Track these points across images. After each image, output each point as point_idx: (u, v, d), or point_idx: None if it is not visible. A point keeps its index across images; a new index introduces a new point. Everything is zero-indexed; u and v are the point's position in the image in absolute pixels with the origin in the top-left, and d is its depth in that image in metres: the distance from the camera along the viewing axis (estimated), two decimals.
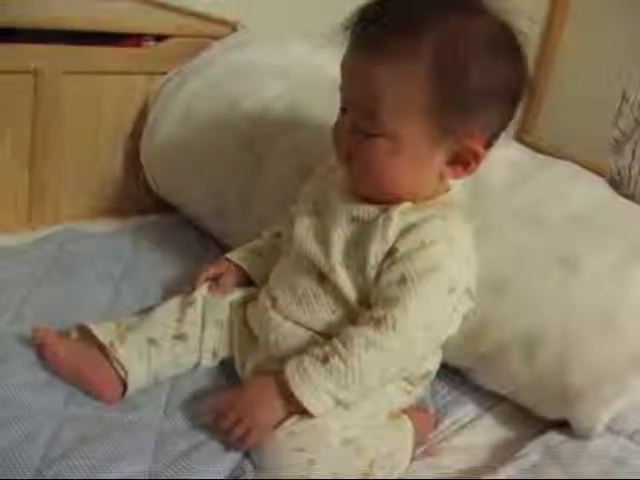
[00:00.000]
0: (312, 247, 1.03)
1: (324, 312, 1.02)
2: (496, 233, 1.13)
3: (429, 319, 0.96)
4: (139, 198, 1.62)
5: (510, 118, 1.01)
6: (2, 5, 1.49)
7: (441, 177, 1.00)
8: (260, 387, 0.97)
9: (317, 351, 0.95)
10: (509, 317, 1.10)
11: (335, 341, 0.95)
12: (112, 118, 1.56)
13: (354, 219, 1.01)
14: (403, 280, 0.95)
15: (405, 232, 0.97)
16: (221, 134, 1.43)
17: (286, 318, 1.04)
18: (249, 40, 1.60)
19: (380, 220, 0.98)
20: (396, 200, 0.99)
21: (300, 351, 0.99)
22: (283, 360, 0.99)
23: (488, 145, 0.99)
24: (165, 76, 1.57)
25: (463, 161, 0.98)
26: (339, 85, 0.99)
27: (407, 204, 0.98)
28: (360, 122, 0.96)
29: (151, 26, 1.58)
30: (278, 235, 1.19)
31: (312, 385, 0.92)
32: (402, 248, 0.96)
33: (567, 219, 1.14)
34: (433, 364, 1.09)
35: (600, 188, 1.25)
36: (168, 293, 1.17)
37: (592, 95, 2.05)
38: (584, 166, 1.27)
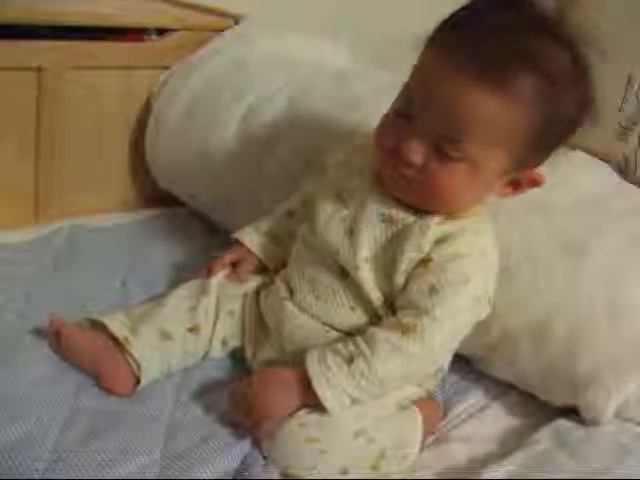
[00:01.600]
0: (337, 241, 1.02)
1: (343, 309, 1.02)
2: (501, 221, 1.13)
3: (455, 329, 0.97)
4: (144, 192, 1.62)
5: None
6: (3, 2, 1.49)
7: (492, 194, 1.01)
8: (277, 377, 0.97)
9: (342, 349, 0.95)
10: (517, 305, 1.10)
11: (360, 342, 0.95)
12: (116, 113, 1.55)
13: (385, 219, 1.00)
14: (435, 290, 0.95)
15: (440, 242, 0.97)
16: (225, 126, 1.43)
17: (303, 310, 1.04)
18: (252, 33, 1.60)
19: (416, 227, 0.97)
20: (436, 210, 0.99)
21: (314, 345, 0.99)
22: (295, 353, 1.01)
23: None
24: (168, 70, 1.57)
25: (517, 185, 0.99)
26: (410, 87, 0.96)
27: (442, 215, 0.98)
28: (441, 140, 0.92)
29: (153, 20, 1.57)
30: (291, 214, 1.18)
31: (334, 384, 0.93)
32: (436, 257, 0.96)
33: (573, 206, 1.14)
34: (445, 360, 1.09)
35: (606, 174, 1.24)
36: (176, 285, 1.16)
37: (596, 81, 2.04)
38: (589, 152, 1.26)
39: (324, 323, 1.02)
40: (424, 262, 0.97)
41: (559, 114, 0.92)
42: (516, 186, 1.00)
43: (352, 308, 1.02)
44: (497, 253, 1.02)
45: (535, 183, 0.99)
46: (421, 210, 0.99)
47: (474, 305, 0.98)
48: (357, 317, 1.01)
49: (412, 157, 0.93)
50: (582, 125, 0.97)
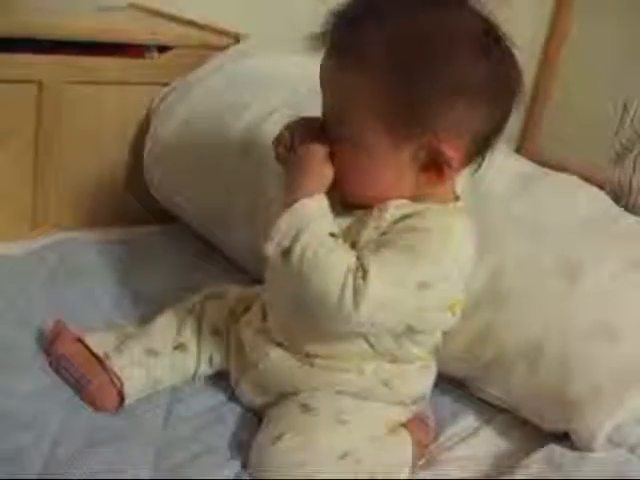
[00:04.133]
0: None
1: (310, 328, 0.99)
2: (497, 243, 1.13)
3: (389, 296, 0.89)
4: (141, 207, 1.63)
5: (492, 122, 0.94)
6: (5, 16, 1.50)
7: (419, 183, 0.94)
8: None
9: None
10: (510, 327, 1.10)
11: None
12: (114, 128, 1.56)
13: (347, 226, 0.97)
14: (378, 248, 0.91)
15: (399, 221, 0.93)
16: (222, 144, 1.43)
17: (274, 343, 1.03)
18: (251, 51, 1.61)
19: (374, 213, 0.94)
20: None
21: (287, 382, 1.01)
22: (273, 386, 1.02)
23: (472, 152, 0.95)
24: (167, 86, 1.57)
25: (436, 167, 0.92)
26: None
27: (403, 200, 0.95)
28: (333, 129, 0.94)
29: (154, 37, 1.59)
30: None
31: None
32: (390, 232, 0.93)
33: (568, 230, 1.15)
34: (426, 386, 1.07)
35: (601, 200, 1.25)
36: (168, 303, 1.17)
37: (593, 107, 2.05)
38: (585, 178, 1.27)
39: (293, 353, 1.01)
40: (380, 237, 0.93)
41: (421, 77, 0.88)
42: (436, 169, 0.92)
43: (316, 327, 0.98)
44: (466, 250, 0.96)
45: (449, 160, 0.91)
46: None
47: (417, 289, 0.89)
48: (321, 334, 0.98)
49: None
50: (490, 95, 0.91)
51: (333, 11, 0.93)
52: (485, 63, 0.90)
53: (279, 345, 1.02)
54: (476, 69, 0.90)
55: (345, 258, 0.89)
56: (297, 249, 0.88)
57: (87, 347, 1.05)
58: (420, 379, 1.05)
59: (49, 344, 1.07)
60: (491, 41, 0.91)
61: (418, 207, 0.94)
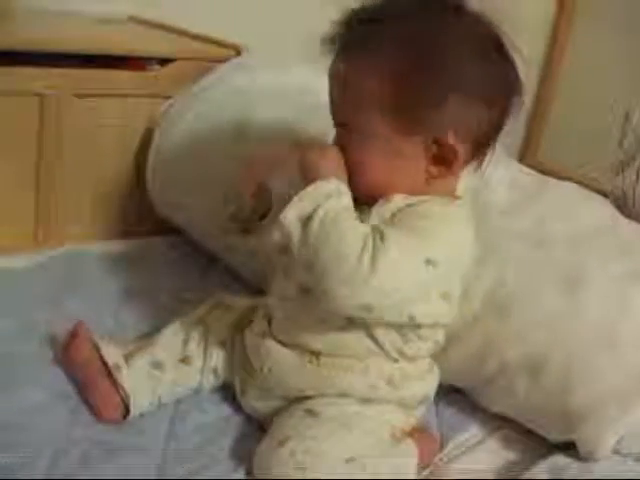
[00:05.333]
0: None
1: (312, 323, 1.00)
2: (499, 253, 1.13)
3: (402, 266, 0.91)
4: (143, 220, 1.62)
5: (495, 119, 0.99)
6: (6, 28, 1.51)
7: (429, 177, 0.98)
8: None
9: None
10: (513, 337, 1.10)
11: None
12: (116, 141, 1.56)
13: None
14: (387, 224, 0.94)
15: (401, 210, 0.96)
16: (224, 157, 1.43)
17: (279, 342, 1.03)
18: (253, 63, 1.61)
19: (377, 204, 0.98)
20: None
21: (293, 380, 1.01)
22: (277, 391, 1.03)
23: (475, 148, 0.99)
24: (169, 99, 1.57)
25: (445, 160, 0.97)
26: None
27: (407, 194, 0.98)
28: (336, 120, 1.00)
29: (155, 49, 1.59)
30: None
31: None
32: (396, 218, 0.96)
33: (570, 239, 1.14)
34: (430, 387, 1.08)
35: (604, 208, 1.25)
36: (172, 314, 1.17)
37: (595, 116, 2.05)
38: (587, 187, 1.27)
39: (299, 348, 1.02)
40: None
41: (430, 73, 0.93)
42: (446, 162, 0.97)
43: (322, 320, 1.00)
44: (467, 240, 0.99)
45: (456, 154, 0.96)
46: None
47: (425, 267, 0.91)
48: (327, 328, 0.99)
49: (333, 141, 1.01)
50: (491, 96, 0.97)
51: (344, 15, 0.98)
52: (485, 64, 0.96)
53: (284, 345, 1.03)
54: (476, 69, 0.95)
55: (363, 227, 0.92)
56: (319, 213, 0.90)
57: (100, 355, 1.06)
58: (423, 380, 1.06)
59: (66, 344, 1.09)
60: (491, 44, 0.97)
61: (420, 199, 0.97)
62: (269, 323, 1.06)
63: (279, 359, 1.03)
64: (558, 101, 2.31)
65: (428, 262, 0.91)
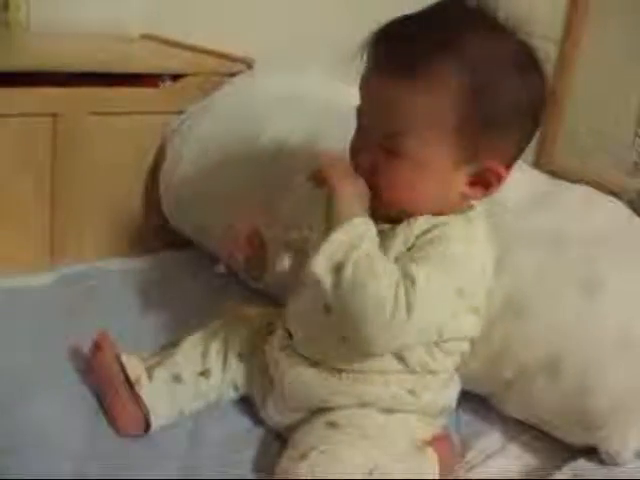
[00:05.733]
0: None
1: (333, 342, 1.00)
2: (516, 256, 1.13)
3: (435, 301, 0.91)
4: (159, 235, 1.63)
5: (531, 138, 1.00)
6: (20, 49, 1.52)
7: (463, 197, 0.98)
8: None
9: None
10: (531, 341, 1.09)
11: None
12: (131, 157, 1.57)
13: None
14: (415, 260, 0.93)
15: (426, 232, 0.95)
16: (238, 170, 1.44)
17: (300, 357, 1.03)
18: (264, 76, 1.62)
19: (402, 225, 0.97)
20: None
21: (314, 398, 1.01)
22: (300, 402, 1.03)
23: (509, 166, 0.98)
24: (182, 114, 1.58)
25: (484, 182, 0.96)
26: (358, 104, 0.99)
27: (428, 215, 0.97)
28: (384, 141, 0.94)
29: (167, 66, 1.60)
30: None
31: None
32: (418, 242, 0.95)
33: (586, 241, 1.14)
34: (451, 397, 1.08)
35: (619, 210, 1.24)
36: (190, 328, 1.17)
37: (609, 118, 2.04)
38: (602, 188, 1.26)
39: (321, 366, 1.01)
40: (408, 250, 0.95)
41: (491, 101, 0.92)
42: (484, 184, 0.97)
43: (345, 340, 0.98)
44: (488, 252, 1.00)
45: (499, 177, 0.96)
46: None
47: (455, 295, 0.93)
48: (350, 348, 0.98)
49: (360, 161, 0.97)
50: (536, 114, 0.96)
51: (387, 27, 0.95)
52: (540, 86, 0.96)
53: (305, 359, 1.03)
54: (534, 91, 0.95)
55: (394, 270, 0.90)
56: (351, 261, 0.89)
57: (123, 369, 1.06)
58: (445, 389, 1.05)
59: (90, 355, 1.09)
60: (540, 63, 0.96)
61: (442, 219, 0.96)
62: (290, 336, 1.06)
63: (300, 373, 1.03)
64: (571, 102, 2.30)
65: (459, 292, 0.93)
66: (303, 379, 1.03)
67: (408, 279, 0.89)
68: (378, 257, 0.91)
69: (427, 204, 0.97)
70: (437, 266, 0.92)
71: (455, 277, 0.93)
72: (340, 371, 1.00)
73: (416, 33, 0.93)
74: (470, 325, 1.01)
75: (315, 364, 1.02)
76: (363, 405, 1.00)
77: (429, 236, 0.95)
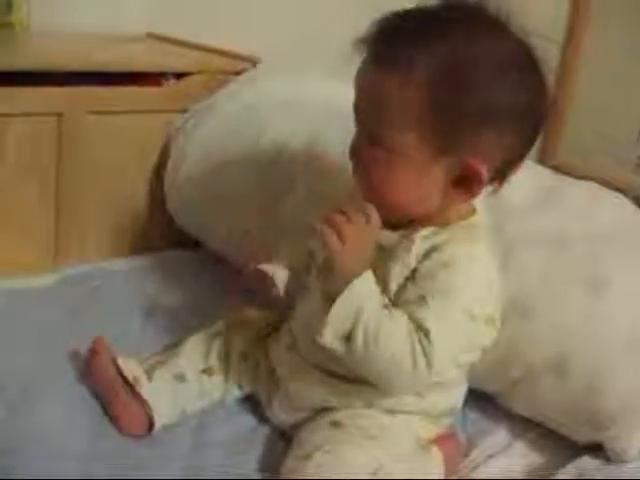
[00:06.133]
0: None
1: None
2: (521, 256, 1.12)
3: (451, 341, 0.93)
4: (163, 234, 1.63)
5: (530, 144, 0.98)
6: (24, 49, 1.52)
7: (447, 198, 0.96)
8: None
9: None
10: (537, 340, 1.09)
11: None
12: (135, 157, 1.57)
13: (374, 248, 0.97)
14: (422, 299, 0.92)
15: (427, 254, 0.95)
16: (242, 169, 1.44)
17: (304, 360, 1.03)
18: (268, 76, 1.62)
19: (402, 245, 0.97)
20: (408, 220, 0.98)
21: (318, 398, 1.01)
22: (305, 402, 1.03)
23: (502, 171, 0.97)
24: (186, 113, 1.58)
25: (467, 183, 0.94)
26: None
27: (429, 228, 0.97)
28: (364, 132, 0.96)
29: (171, 64, 1.60)
30: (311, 254, 1.14)
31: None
32: (421, 268, 0.94)
33: (592, 239, 1.13)
34: (457, 398, 1.08)
35: (624, 207, 1.23)
36: (194, 328, 1.17)
37: (613, 115, 2.03)
38: (607, 185, 1.25)
39: (327, 372, 1.01)
40: (412, 275, 0.95)
41: (476, 96, 0.90)
42: (467, 185, 0.95)
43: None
44: (492, 265, 0.98)
45: (480, 178, 0.93)
46: (408, 231, 0.98)
47: (468, 321, 0.93)
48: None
49: (350, 152, 0.98)
50: (535, 119, 0.95)
51: (380, 20, 0.94)
52: (532, 91, 0.94)
53: (309, 361, 1.02)
54: (521, 95, 0.93)
55: (403, 324, 0.90)
56: (359, 332, 0.89)
57: (120, 370, 1.06)
58: (451, 391, 1.05)
59: (87, 362, 1.10)
60: (536, 69, 0.94)
61: (441, 237, 0.96)
62: (293, 340, 1.06)
63: (306, 373, 1.03)
64: (575, 97, 2.29)
65: (471, 316, 0.93)
66: (308, 380, 1.03)
67: (422, 332, 0.90)
68: (384, 316, 0.91)
69: (405, 200, 0.96)
70: (445, 297, 0.92)
71: (466, 305, 0.93)
72: (345, 377, 1.00)
73: (404, 27, 0.93)
74: (486, 336, 0.99)
75: (321, 369, 1.02)
76: (367, 406, 1.00)
77: (430, 263, 0.94)
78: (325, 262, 0.96)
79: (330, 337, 0.90)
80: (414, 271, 0.95)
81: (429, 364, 0.89)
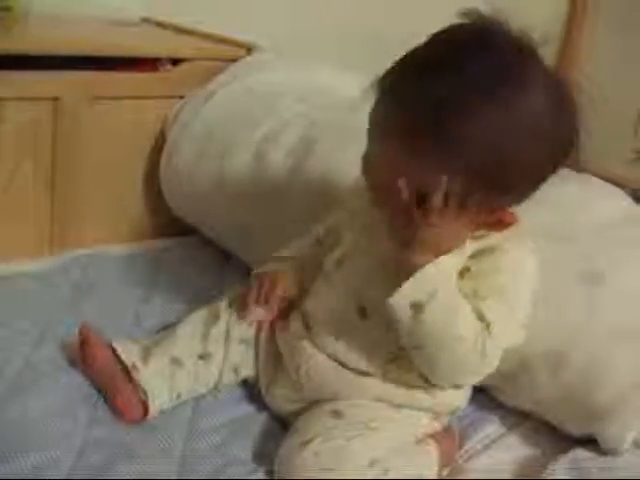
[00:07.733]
0: (364, 280, 0.99)
1: (362, 348, 1.00)
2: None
3: (504, 339, 0.93)
4: (159, 220, 1.63)
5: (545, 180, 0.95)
6: (20, 33, 1.51)
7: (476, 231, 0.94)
8: None
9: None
10: (534, 333, 1.09)
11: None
12: (131, 142, 1.57)
13: None
14: (479, 296, 0.92)
15: (478, 254, 0.94)
16: (239, 156, 1.43)
17: (319, 349, 1.03)
18: (264, 62, 1.61)
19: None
20: None
21: (330, 386, 1.00)
22: (312, 392, 1.02)
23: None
24: (182, 99, 1.57)
25: (493, 227, 0.93)
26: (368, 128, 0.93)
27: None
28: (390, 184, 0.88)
29: (167, 50, 1.59)
30: (319, 242, 1.14)
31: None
32: (474, 268, 0.94)
33: (590, 233, 1.14)
34: (463, 398, 1.08)
35: (622, 200, 1.24)
36: (190, 314, 1.17)
37: (611, 109, 2.03)
38: (605, 179, 1.25)
39: (340, 363, 1.01)
40: (461, 273, 0.94)
41: (491, 154, 0.85)
42: (488, 226, 0.93)
43: (372, 347, 1.00)
44: (536, 275, 0.98)
45: (502, 225, 0.92)
46: None
47: (519, 330, 0.95)
48: (375, 357, 1.00)
49: (375, 183, 0.94)
50: (556, 164, 0.93)
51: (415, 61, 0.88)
52: (563, 143, 0.93)
53: (322, 351, 1.02)
54: (555, 149, 0.92)
55: (471, 317, 0.90)
56: (432, 303, 0.88)
57: (116, 355, 1.06)
58: (460, 391, 1.06)
59: (79, 351, 1.08)
60: (567, 112, 0.93)
61: (491, 241, 0.95)
62: (307, 326, 1.05)
63: (317, 363, 1.02)
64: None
65: (516, 320, 0.94)
66: (319, 370, 1.02)
67: (484, 322, 0.90)
68: (460, 298, 0.90)
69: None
70: (501, 301, 0.92)
71: (518, 310, 0.94)
72: (360, 371, 1.00)
73: (438, 85, 0.84)
74: (518, 340, 0.97)
75: (334, 360, 1.01)
76: (375, 400, 1.01)
77: (484, 264, 0.93)
78: (407, 234, 0.90)
79: (402, 301, 0.88)
80: (464, 269, 0.94)
81: (484, 354, 0.90)
